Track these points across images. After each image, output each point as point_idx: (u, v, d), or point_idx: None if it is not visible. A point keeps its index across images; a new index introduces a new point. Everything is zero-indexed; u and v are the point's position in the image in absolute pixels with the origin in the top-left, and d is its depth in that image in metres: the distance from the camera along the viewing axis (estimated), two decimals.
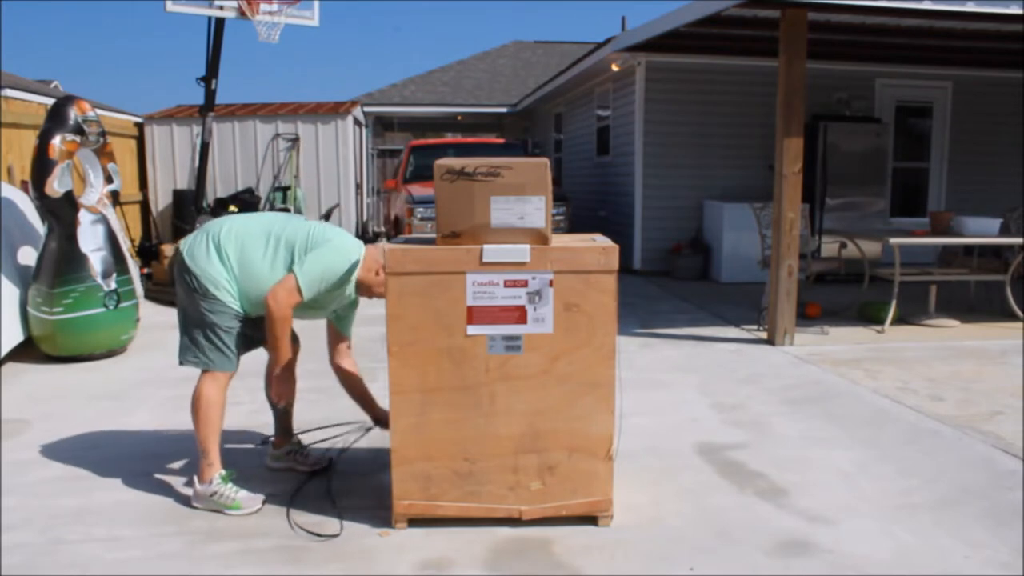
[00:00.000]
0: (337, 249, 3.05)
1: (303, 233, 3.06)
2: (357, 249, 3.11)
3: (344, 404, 4.55)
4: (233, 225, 3.11)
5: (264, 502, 3.14)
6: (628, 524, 3.01)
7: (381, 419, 3.39)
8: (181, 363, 3.16)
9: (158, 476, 3.52)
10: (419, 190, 9.38)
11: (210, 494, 3.09)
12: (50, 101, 7.74)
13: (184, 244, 3.12)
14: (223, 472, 3.13)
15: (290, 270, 2.99)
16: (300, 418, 4.32)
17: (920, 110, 10.56)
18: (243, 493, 3.12)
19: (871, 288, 7.43)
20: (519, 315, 2.86)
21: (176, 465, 3.65)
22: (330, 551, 2.84)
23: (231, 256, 3.04)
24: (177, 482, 3.44)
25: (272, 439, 3.62)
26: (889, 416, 4.36)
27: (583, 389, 2.90)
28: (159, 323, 6.94)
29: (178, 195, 10.66)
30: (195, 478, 3.17)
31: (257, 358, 5.60)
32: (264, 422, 4.25)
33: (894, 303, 6.58)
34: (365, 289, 3.18)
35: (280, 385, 3.26)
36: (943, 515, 3.11)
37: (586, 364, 2.89)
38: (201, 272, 3.03)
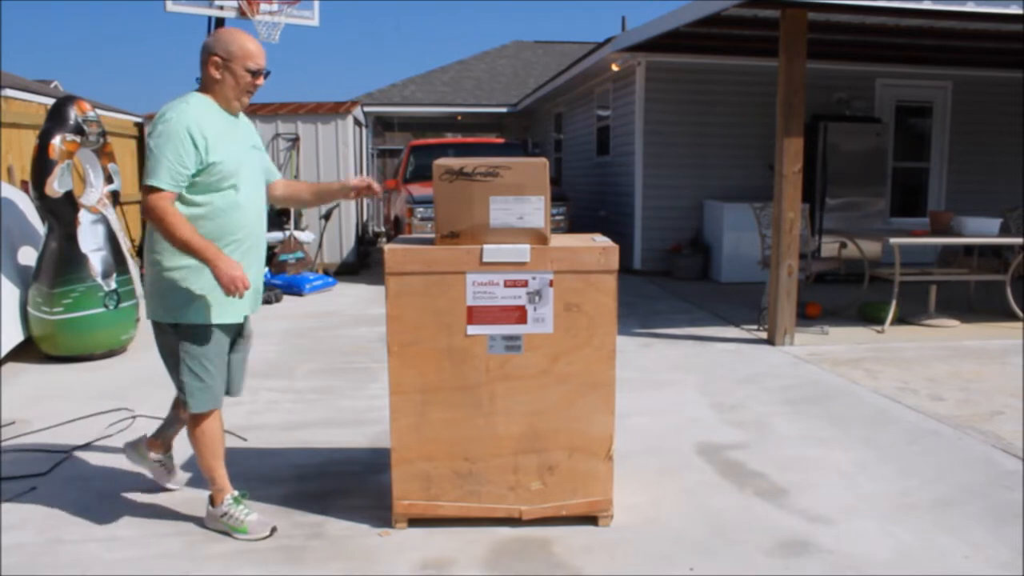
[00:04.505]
0: (161, 126, 2.74)
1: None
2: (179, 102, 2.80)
3: (344, 405, 4.56)
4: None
5: (273, 530, 2.96)
6: (628, 524, 3.01)
7: (348, 185, 3.12)
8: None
9: None
10: (419, 190, 9.38)
11: (220, 515, 2.98)
12: (50, 101, 7.74)
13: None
14: (235, 493, 3.00)
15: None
16: (301, 418, 4.33)
17: (920, 110, 10.56)
18: (253, 516, 2.97)
19: (871, 288, 7.43)
20: (519, 315, 2.86)
21: (176, 464, 3.65)
22: (330, 551, 2.83)
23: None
24: (177, 482, 3.43)
25: (149, 438, 3.37)
26: (889, 416, 4.36)
27: (583, 389, 2.90)
28: None
29: None
30: (208, 501, 3.05)
31: (255, 359, 5.58)
32: (261, 422, 4.25)
33: (894, 303, 6.58)
34: (231, 90, 2.85)
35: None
36: (943, 515, 3.11)
37: (586, 364, 2.89)
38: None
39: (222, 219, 2.82)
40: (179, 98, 2.81)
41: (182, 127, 2.70)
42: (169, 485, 3.38)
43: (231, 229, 2.84)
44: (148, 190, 2.72)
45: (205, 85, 2.87)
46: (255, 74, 2.85)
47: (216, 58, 2.81)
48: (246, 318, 3.06)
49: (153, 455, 3.34)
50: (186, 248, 2.72)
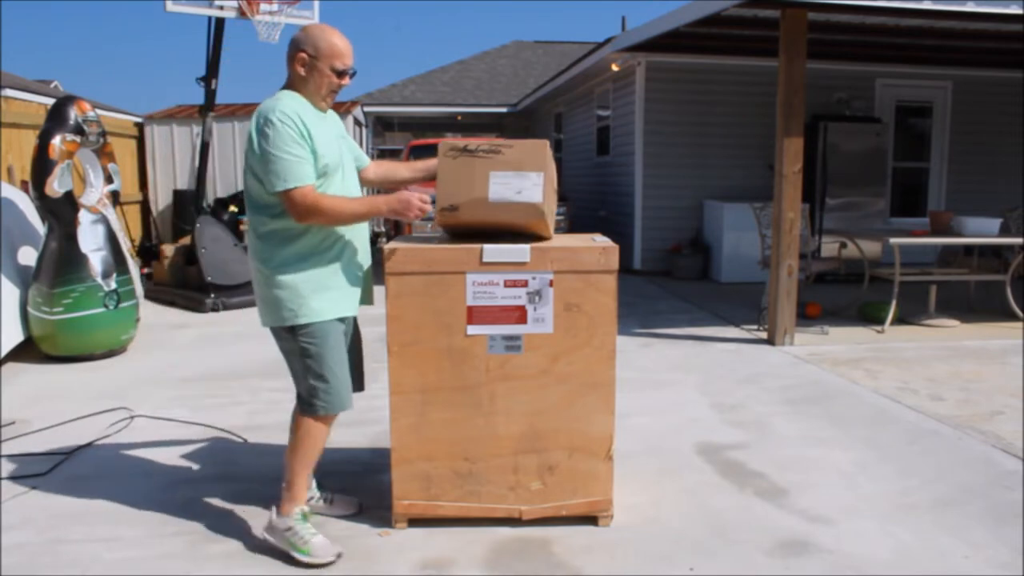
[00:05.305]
0: (269, 128, 2.67)
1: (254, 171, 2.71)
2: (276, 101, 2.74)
3: None
4: None
5: (339, 556, 2.77)
6: (628, 524, 3.01)
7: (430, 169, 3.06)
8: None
9: (158, 476, 3.52)
10: (419, 190, 9.38)
11: (285, 528, 2.80)
12: (50, 101, 7.75)
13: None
14: (304, 509, 2.84)
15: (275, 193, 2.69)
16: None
17: (920, 110, 10.56)
18: (318, 539, 2.77)
19: (871, 288, 7.43)
20: (519, 315, 2.86)
21: (176, 464, 3.65)
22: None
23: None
24: (178, 481, 3.44)
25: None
26: (889, 416, 4.36)
27: (583, 389, 2.90)
28: (159, 323, 6.94)
29: (178, 195, 10.67)
30: (273, 507, 2.87)
31: (257, 358, 5.56)
32: (262, 422, 4.25)
33: (894, 303, 6.58)
34: (316, 88, 2.77)
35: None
36: (943, 515, 3.11)
37: (586, 364, 2.89)
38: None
39: None
40: (270, 99, 2.74)
41: (289, 122, 2.64)
42: (345, 511, 3.13)
43: None
44: (287, 195, 2.63)
45: (291, 81, 2.80)
46: (341, 74, 2.78)
47: (303, 55, 2.74)
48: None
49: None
50: (357, 218, 2.77)
